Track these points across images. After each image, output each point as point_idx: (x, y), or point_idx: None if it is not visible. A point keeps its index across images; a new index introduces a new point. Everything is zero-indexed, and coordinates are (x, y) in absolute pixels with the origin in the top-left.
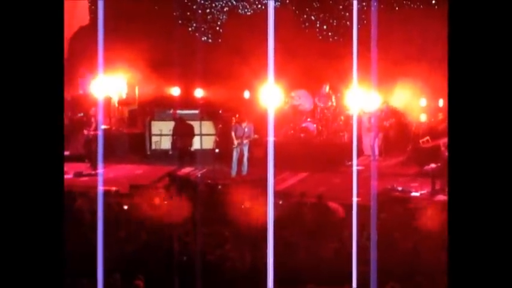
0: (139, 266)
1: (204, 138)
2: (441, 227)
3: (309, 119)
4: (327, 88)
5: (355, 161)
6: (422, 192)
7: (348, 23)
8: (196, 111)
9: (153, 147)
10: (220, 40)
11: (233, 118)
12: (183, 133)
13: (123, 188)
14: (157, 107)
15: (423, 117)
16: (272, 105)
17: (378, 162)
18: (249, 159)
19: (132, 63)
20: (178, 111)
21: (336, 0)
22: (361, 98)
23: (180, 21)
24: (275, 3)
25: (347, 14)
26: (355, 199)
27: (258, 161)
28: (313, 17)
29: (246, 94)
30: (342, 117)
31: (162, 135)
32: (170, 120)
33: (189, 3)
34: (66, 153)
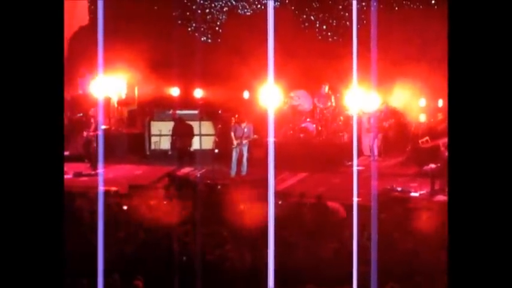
0: (138, 266)
1: (203, 138)
2: (440, 227)
3: (308, 119)
4: (327, 88)
5: (355, 161)
6: (422, 192)
7: (347, 23)
8: (196, 112)
9: (153, 147)
10: (219, 40)
11: (232, 118)
12: (182, 133)
13: (123, 188)
14: (157, 107)
15: (422, 118)
16: (271, 106)
17: (377, 163)
18: (248, 160)
19: (131, 63)
20: (178, 112)
21: (336, 0)
22: (360, 98)
23: (179, 22)
24: (274, 3)
25: (346, 14)
26: (355, 199)
27: (257, 161)
28: (312, 17)
29: (246, 94)
30: (342, 118)
31: (161, 135)
32: (169, 120)
33: (189, 3)
34: (66, 153)
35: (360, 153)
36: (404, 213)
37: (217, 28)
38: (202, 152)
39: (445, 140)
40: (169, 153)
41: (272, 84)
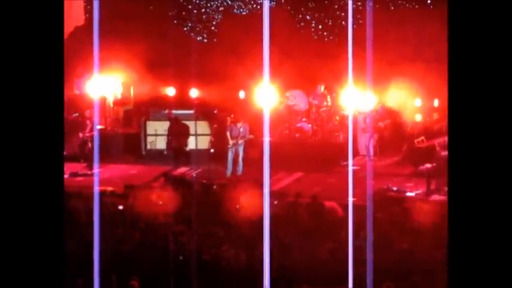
0: (134, 266)
1: (199, 138)
2: (436, 226)
3: (304, 119)
4: (322, 88)
5: (350, 161)
6: (418, 192)
7: (343, 22)
8: (192, 111)
9: (148, 147)
10: (215, 40)
11: (228, 118)
12: (178, 133)
13: (118, 188)
14: (153, 107)
15: (418, 117)
16: (267, 105)
17: (373, 162)
18: (244, 159)
19: (127, 63)
20: (174, 111)
21: (331, 0)
22: (356, 98)
23: (175, 21)
24: (270, 3)
25: (342, 14)
26: (351, 199)
27: (253, 161)
28: (308, 17)
29: (241, 94)
30: (337, 118)
31: (157, 135)
32: (165, 120)
33: (184, 3)
34: None
35: (356, 153)
36: (400, 212)
37: (213, 28)
38: (198, 151)
39: (441, 139)
40: (165, 153)
41: (268, 84)
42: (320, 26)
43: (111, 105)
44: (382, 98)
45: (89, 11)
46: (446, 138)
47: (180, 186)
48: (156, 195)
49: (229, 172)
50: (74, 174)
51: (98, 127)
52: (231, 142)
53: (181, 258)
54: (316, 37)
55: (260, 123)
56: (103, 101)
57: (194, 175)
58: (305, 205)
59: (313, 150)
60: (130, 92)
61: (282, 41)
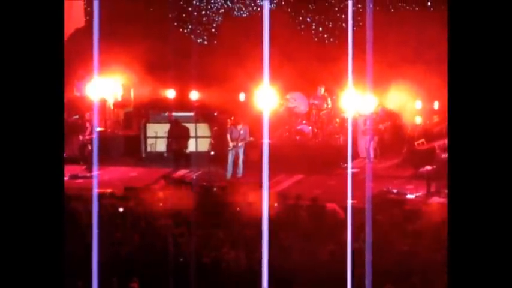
0: (134, 268)
1: (199, 140)
2: (436, 228)
3: (304, 122)
4: (323, 90)
5: (349, 164)
6: (418, 194)
7: (343, 25)
8: (192, 114)
9: (149, 149)
10: (215, 42)
11: (228, 120)
12: (178, 135)
13: (118, 190)
14: (153, 109)
15: (418, 120)
16: (267, 108)
17: (373, 165)
18: (244, 162)
19: (127, 65)
20: (174, 114)
21: (332, 3)
22: (356, 101)
23: (175, 23)
24: (270, 5)
25: (342, 16)
26: (349, 202)
27: (253, 163)
28: (308, 19)
29: (242, 96)
30: (337, 120)
31: (157, 137)
32: (165, 122)
33: (185, 5)
34: None
35: (356, 155)
36: (401, 215)
37: (213, 30)
38: (198, 154)
39: (441, 142)
40: (165, 155)
41: (268, 86)
42: (320, 28)
43: (111, 108)
44: (382, 100)
45: (89, 13)
46: (446, 141)
47: (180, 188)
48: (156, 198)
49: (229, 174)
50: (74, 177)
51: (98, 129)
52: (231, 144)
53: (181, 260)
54: (316, 39)
55: (260, 126)
56: (103, 103)
57: (194, 177)
58: (306, 207)
59: (313, 152)
60: (131, 94)
61: (282, 43)
